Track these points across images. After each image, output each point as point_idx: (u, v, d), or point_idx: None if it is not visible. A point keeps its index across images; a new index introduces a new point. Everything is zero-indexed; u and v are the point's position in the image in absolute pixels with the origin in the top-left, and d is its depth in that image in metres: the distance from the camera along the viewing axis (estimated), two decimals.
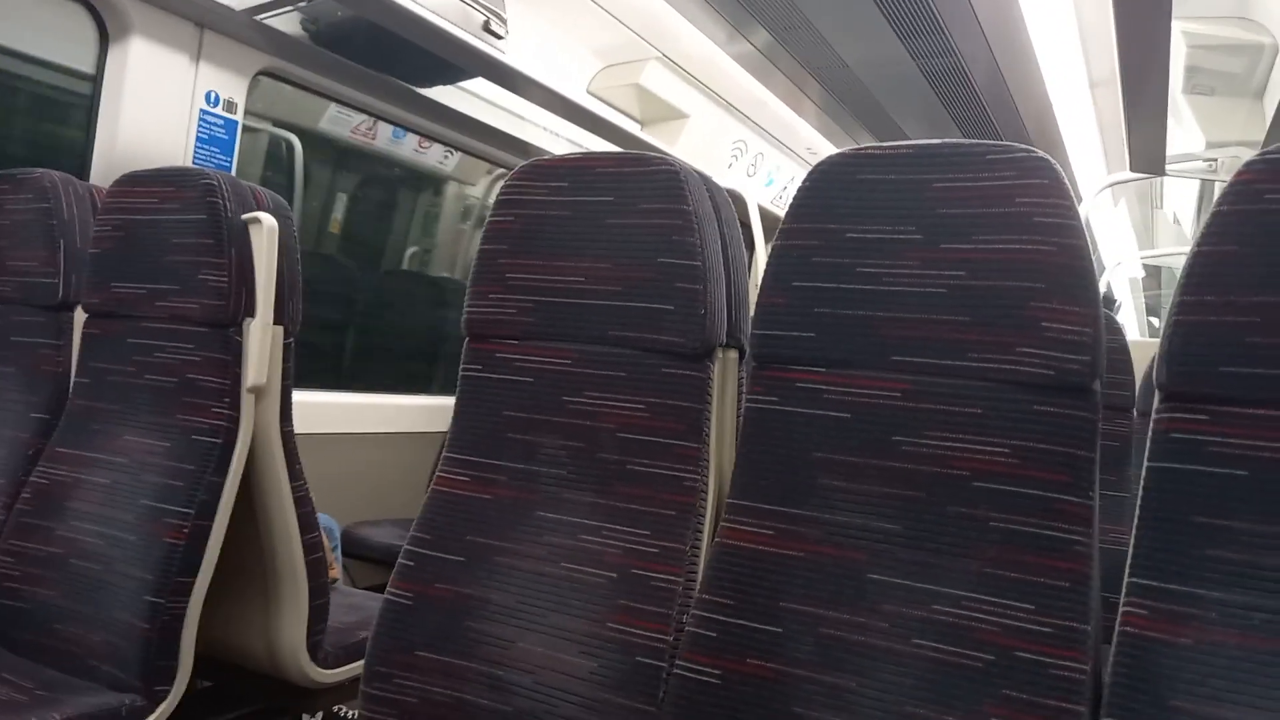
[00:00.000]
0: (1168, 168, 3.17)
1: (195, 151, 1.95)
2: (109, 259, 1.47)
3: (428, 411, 2.72)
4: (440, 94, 2.43)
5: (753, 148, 3.23)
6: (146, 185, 1.45)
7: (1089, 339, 0.84)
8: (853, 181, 0.95)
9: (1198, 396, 0.79)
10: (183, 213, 1.40)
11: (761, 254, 3.03)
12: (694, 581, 1.00)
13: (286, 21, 1.95)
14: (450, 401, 1.20)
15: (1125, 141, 2.98)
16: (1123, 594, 0.80)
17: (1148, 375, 2.17)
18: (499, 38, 2.05)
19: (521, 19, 2.16)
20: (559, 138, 2.81)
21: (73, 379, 1.52)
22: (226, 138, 2.00)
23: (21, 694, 1.20)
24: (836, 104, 2.91)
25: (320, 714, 1.93)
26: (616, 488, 1.06)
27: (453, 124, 2.61)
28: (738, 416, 1.09)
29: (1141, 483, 0.82)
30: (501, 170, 3.17)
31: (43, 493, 1.42)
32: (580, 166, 1.12)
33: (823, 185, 0.96)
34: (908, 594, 0.87)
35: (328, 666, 1.54)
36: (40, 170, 1.59)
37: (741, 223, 1.19)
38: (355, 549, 2.36)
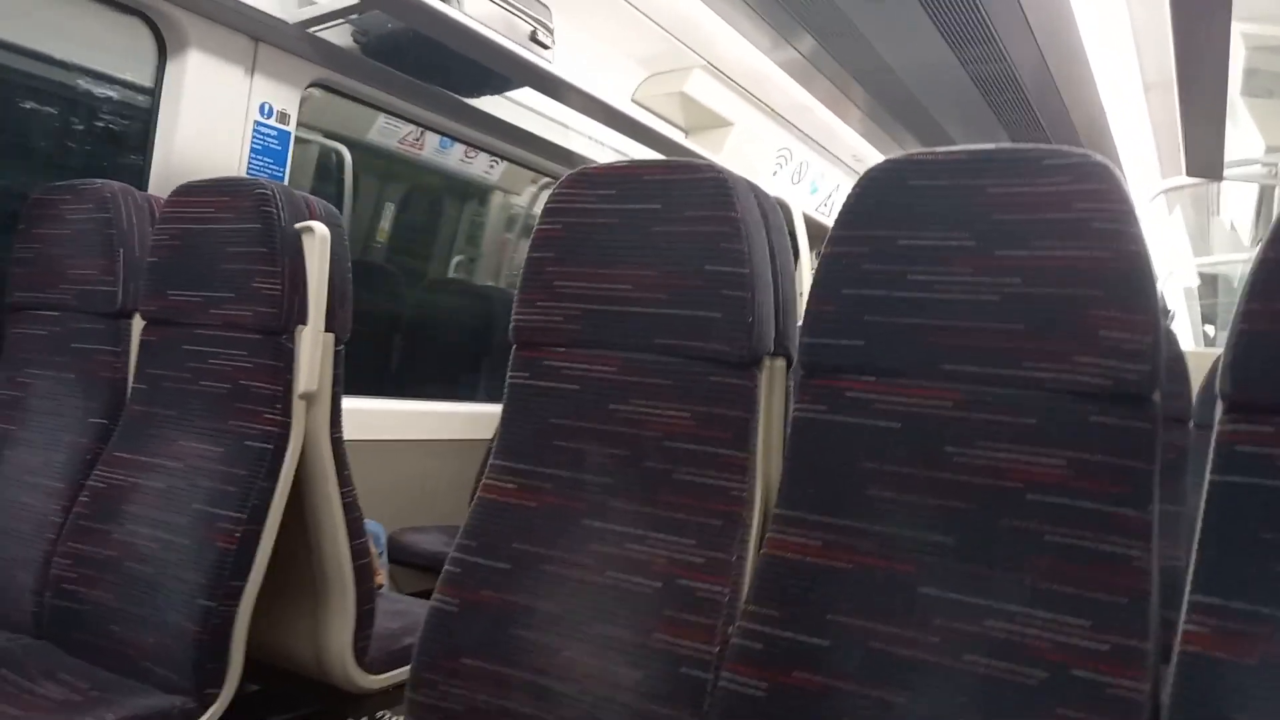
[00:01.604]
0: (1226, 172, 3.10)
1: (249, 162, 1.99)
2: (166, 267, 1.51)
3: (473, 419, 2.74)
4: (486, 104, 2.45)
5: (797, 155, 3.22)
6: (203, 195, 1.48)
7: (1148, 348, 0.81)
8: (904, 187, 0.93)
9: (1264, 407, 0.76)
10: (238, 222, 1.42)
11: (806, 262, 3.02)
12: (740, 592, 0.99)
13: (338, 34, 1.98)
14: (495, 409, 1.20)
15: (1181, 145, 2.91)
16: (1183, 611, 0.78)
17: (1204, 386, 2.11)
18: (545, 47, 2.06)
19: (567, 29, 2.18)
20: (604, 146, 2.82)
21: (130, 385, 1.55)
22: (280, 148, 2.04)
23: (77, 694, 1.23)
24: (882, 110, 2.88)
25: (365, 719, 1.95)
26: (662, 496, 1.05)
27: (499, 133, 2.63)
28: (785, 426, 1.08)
29: (1204, 496, 0.79)
30: (547, 179, 3.19)
31: (100, 496, 1.46)
32: (628, 174, 1.12)
33: (873, 191, 0.95)
34: (959, 608, 0.86)
35: (373, 672, 1.55)
36: (100, 181, 1.63)
37: (786, 231, 1.19)
38: (400, 555, 2.38)
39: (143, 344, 1.54)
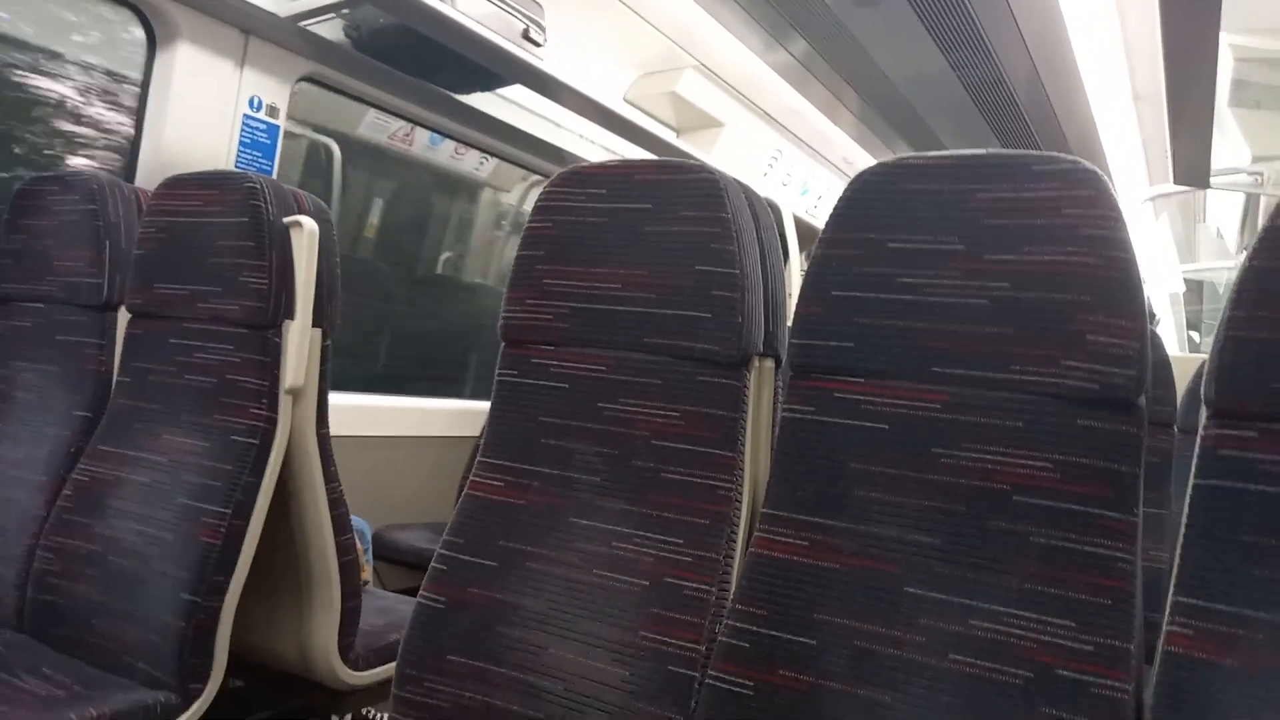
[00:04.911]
0: (1212, 181, 3.12)
1: (238, 155, 1.98)
2: (153, 260, 1.50)
3: (459, 416, 2.74)
4: (478, 100, 2.45)
5: (788, 157, 3.22)
6: (191, 188, 1.47)
7: (1135, 352, 0.82)
8: (895, 191, 0.94)
9: (1248, 413, 0.77)
10: (226, 215, 1.42)
11: (796, 264, 3.02)
12: (727, 591, 0.99)
13: (329, 28, 1.97)
14: (481, 406, 1.20)
15: (1169, 154, 2.93)
16: (1166, 613, 0.78)
17: (1189, 391, 2.13)
18: (538, 45, 2.06)
19: (560, 27, 2.18)
20: (595, 145, 2.82)
21: (115, 378, 1.54)
22: (269, 142, 2.03)
23: (60, 689, 1.22)
24: (874, 114, 2.89)
25: (349, 716, 1.94)
26: (650, 495, 1.06)
27: (490, 130, 2.63)
28: (773, 426, 1.09)
29: (1188, 500, 0.80)
30: (536, 177, 3.19)
31: (84, 490, 1.45)
32: (619, 174, 1.12)
33: (864, 195, 0.96)
34: (945, 608, 0.86)
35: (358, 669, 1.54)
36: (88, 172, 1.62)
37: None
38: (385, 552, 2.38)
39: (128, 337, 1.53)
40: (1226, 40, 2.38)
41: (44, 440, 1.54)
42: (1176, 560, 0.79)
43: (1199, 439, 0.80)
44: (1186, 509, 0.79)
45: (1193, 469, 0.80)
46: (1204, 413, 0.80)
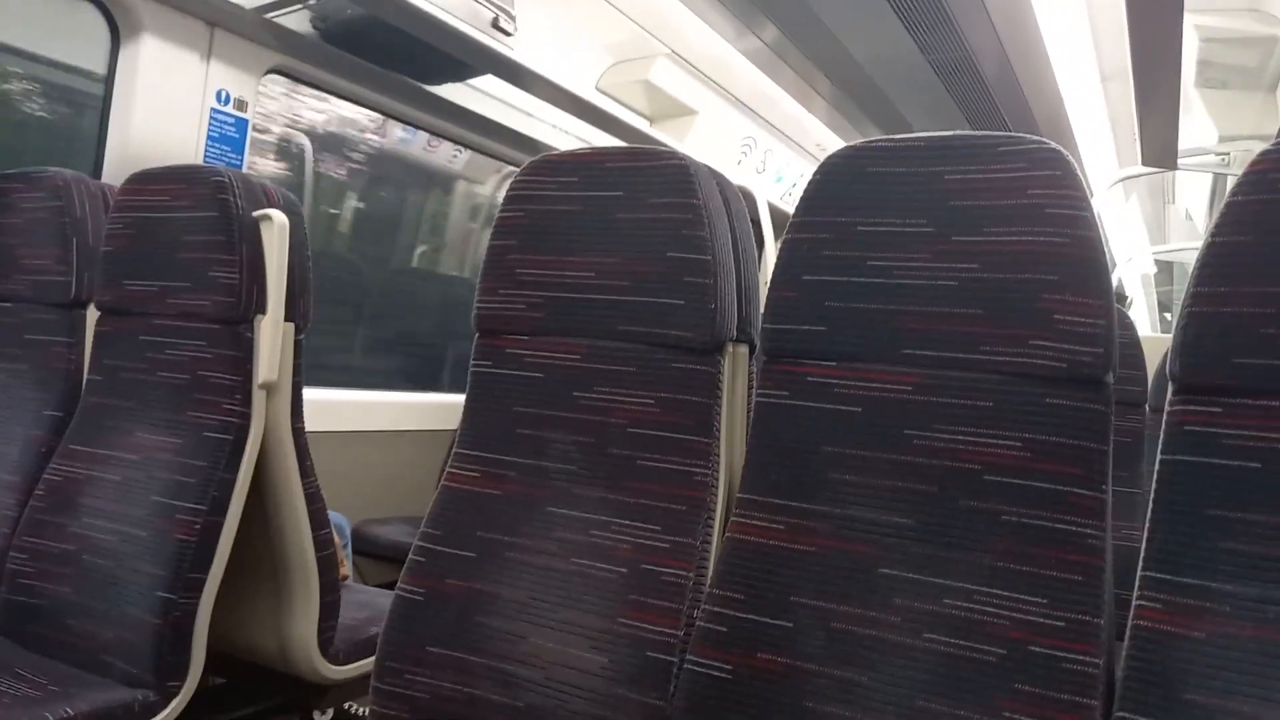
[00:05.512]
0: (1180, 161, 3.16)
1: (206, 150, 1.95)
2: (121, 256, 1.48)
3: (436, 409, 2.73)
4: (449, 91, 2.43)
5: (761, 144, 3.23)
6: (158, 183, 1.46)
7: (1102, 331, 0.83)
8: (863, 174, 0.94)
9: (1211, 388, 0.78)
10: (194, 210, 1.40)
11: (771, 250, 3.03)
12: (704, 577, 1.00)
13: (297, 20, 1.95)
14: (459, 399, 1.20)
15: (1137, 135, 2.96)
16: (1136, 588, 0.80)
17: (1160, 371, 2.15)
18: (508, 34, 2.05)
19: (530, 16, 2.16)
20: (568, 135, 2.81)
21: (85, 376, 1.53)
22: (237, 136, 2.01)
23: (35, 689, 1.21)
24: (846, 99, 2.90)
25: (330, 711, 1.94)
26: (627, 483, 1.06)
27: (462, 122, 2.61)
28: (748, 411, 1.09)
29: (1155, 475, 0.81)
30: (510, 168, 3.17)
31: (56, 489, 1.43)
32: (590, 161, 1.12)
33: (833, 178, 0.96)
34: (919, 588, 0.87)
35: (338, 663, 1.54)
36: (53, 169, 1.60)
37: (751, 219, 1.19)
38: (365, 547, 2.37)
39: (98, 335, 1.52)
40: (1191, 21, 2.40)
41: (14, 440, 1.52)
42: (1145, 536, 0.80)
43: (1165, 415, 0.81)
44: (1154, 485, 0.81)
45: (1159, 445, 0.81)
46: (1169, 388, 0.82)
